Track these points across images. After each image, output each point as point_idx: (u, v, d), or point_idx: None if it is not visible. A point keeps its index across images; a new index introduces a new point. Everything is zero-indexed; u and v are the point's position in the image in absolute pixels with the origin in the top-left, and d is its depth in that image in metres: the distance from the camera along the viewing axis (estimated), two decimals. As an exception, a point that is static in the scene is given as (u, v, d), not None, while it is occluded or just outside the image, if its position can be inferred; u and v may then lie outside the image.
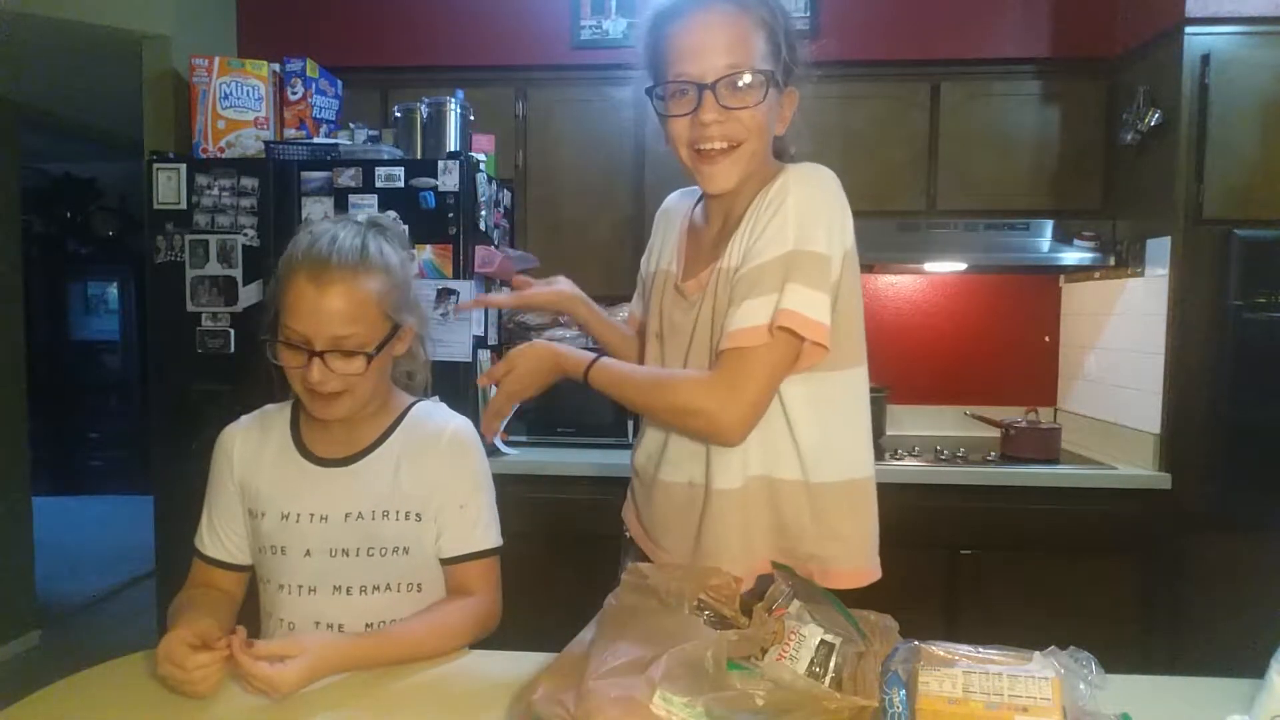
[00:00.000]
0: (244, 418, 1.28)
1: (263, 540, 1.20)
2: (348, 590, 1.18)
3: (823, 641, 0.89)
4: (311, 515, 1.18)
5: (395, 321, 1.18)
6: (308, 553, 1.17)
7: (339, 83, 2.58)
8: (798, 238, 1.03)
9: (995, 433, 2.62)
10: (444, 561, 1.23)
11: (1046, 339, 2.96)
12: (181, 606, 1.17)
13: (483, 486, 1.26)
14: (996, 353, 2.96)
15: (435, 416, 1.26)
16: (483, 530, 1.24)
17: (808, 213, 1.05)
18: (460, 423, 1.26)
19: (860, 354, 1.15)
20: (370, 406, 1.22)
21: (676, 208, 1.30)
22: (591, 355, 1.15)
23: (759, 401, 1.05)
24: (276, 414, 1.27)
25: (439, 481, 1.21)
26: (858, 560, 1.16)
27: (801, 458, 1.11)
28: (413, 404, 1.28)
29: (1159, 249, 2.33)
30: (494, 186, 2.47)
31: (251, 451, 1.23)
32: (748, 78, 1.04)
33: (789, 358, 1.05)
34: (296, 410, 1.26)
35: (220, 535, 1.24)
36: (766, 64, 1.05)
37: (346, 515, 1.17)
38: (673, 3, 1.07)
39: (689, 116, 1.05)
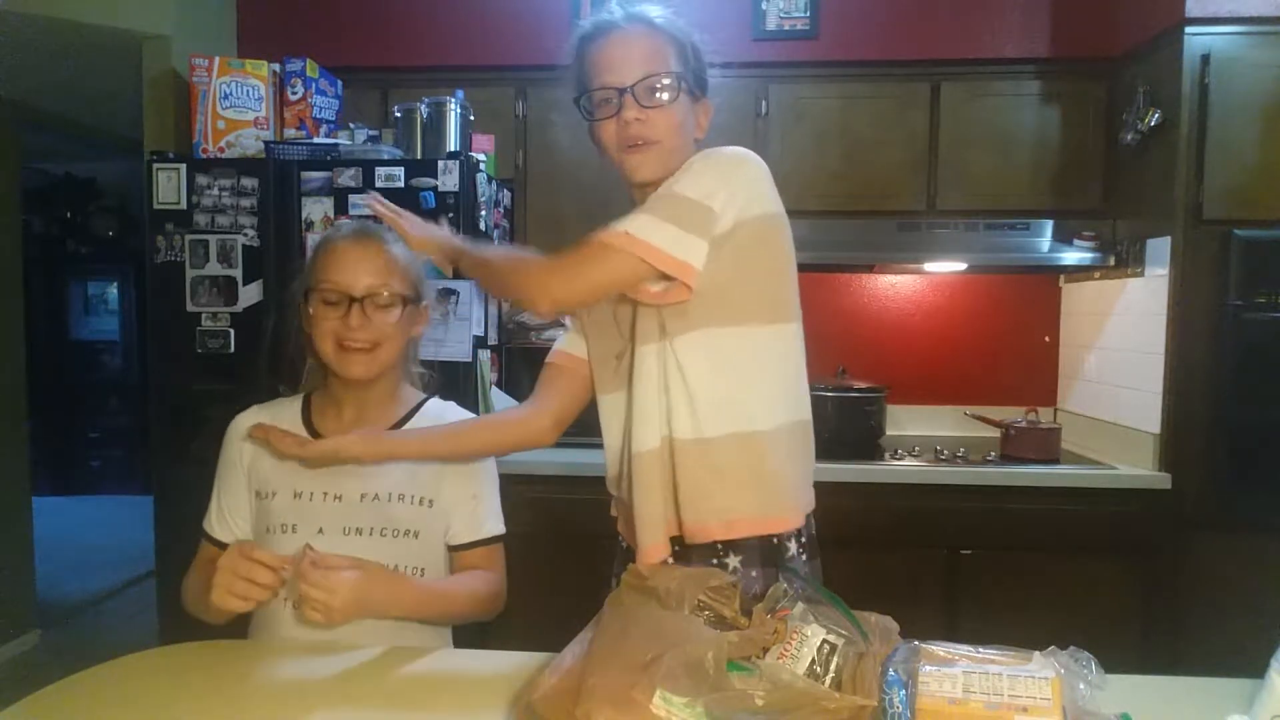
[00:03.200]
0: (252, 406, 1.33)
1: (272, 519, 1.23)
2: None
3: (825, 642, 0.89)
4: (325, 494, 1.23)
5: (419, 293, 1.29)
6: (320, 530, 1.21)
7: (339, 83, 2.58)
8: (681, 185, 1.13)
9: (995, 433, 2.62)
10: (456, 548, 1.30)
11: (1046, 339, 2.96)
12: (200, 584, 1.18)
13: (492, 479, 1.35)
14: (996, 353, 2.96)
15: (452, 414, 1.35)
16: (493, 519, 1.33)
17: (699, 170, 1.15)
18: None
19: (779, 314, 1.20)
20: (384, 386, 1.29)
21: None
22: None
23: (581, 286, 1.14)
24: (288, 403, 1.33)
25: (454, 473, 1.29)
26: (769, 508, 1.19)
27: (697, 414, 1.16)
28: (426, 399, 1.36)
29: (1159, 249, 2.33)
30: (494, 186, 2.47)
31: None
32: (662, 80, 1.16)
33: (632, 275, 1.12)
34: (308, 400, 1.32)
35: (228, 519, 1.28)
36: (676, 69, 1.18)
37: (362, 496, 1.23)
38: (593, 27, 1.21)
39: (613, 119, 1.17)
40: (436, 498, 1.27)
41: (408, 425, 1.30)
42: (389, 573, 1.17)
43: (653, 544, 1.19)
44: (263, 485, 1.25)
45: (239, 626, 1.26)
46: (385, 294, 1.23)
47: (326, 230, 1.32)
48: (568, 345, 1.35)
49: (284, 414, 1.30)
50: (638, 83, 1.15)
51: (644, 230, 1.10)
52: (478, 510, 1.31)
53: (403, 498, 1.24)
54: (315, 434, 1.27)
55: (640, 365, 1.19)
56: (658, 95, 1.16)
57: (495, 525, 1.33)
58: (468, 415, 1.37)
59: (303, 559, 1.07)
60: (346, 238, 1.25)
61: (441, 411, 1.35)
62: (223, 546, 1.26)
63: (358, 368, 1.23)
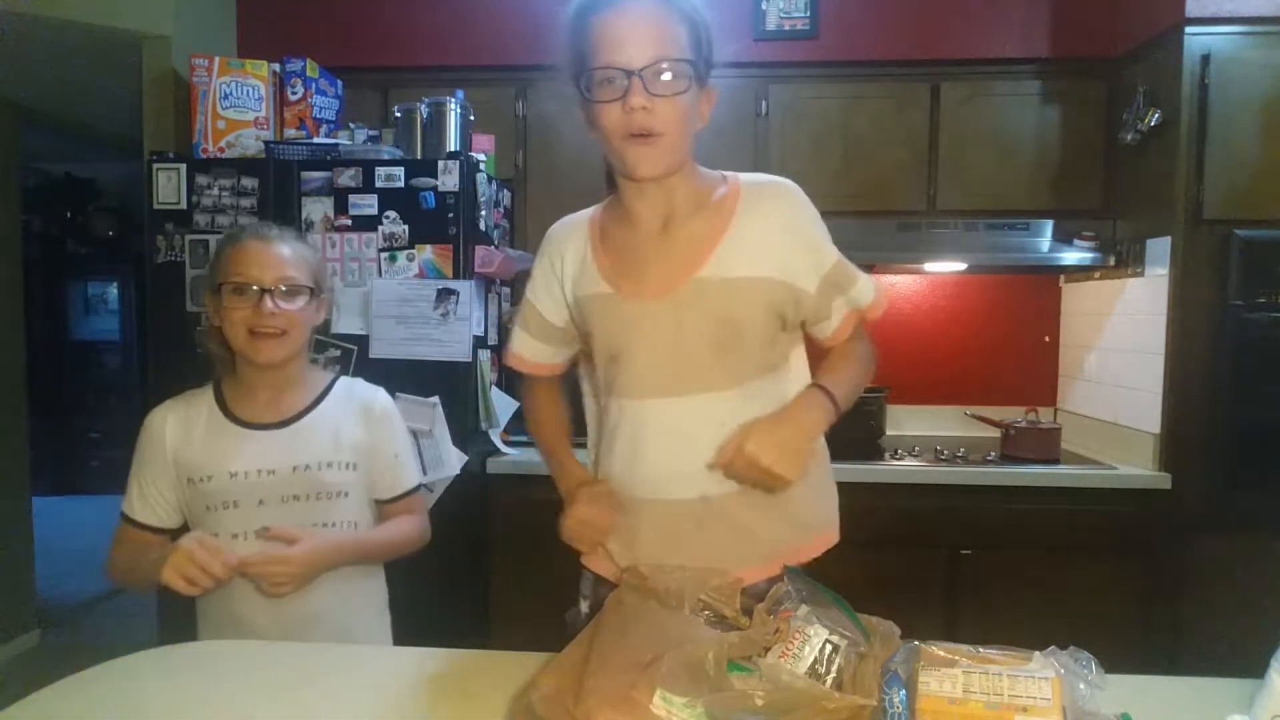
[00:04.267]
0: (167, 401, 1.42)
1: (211, 499, 1.34)
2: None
3: (827, 642, 0.89)
4: (259, 470, 1.35)
5: (320, 285, 1.42)
6: (261, 502, 1.34)
7: (339, 83, 2.58)
8: (830, 244, 1.18)
9: (995, 433, 2.62)
10: (385, 502, 1.48)
11: (1046, 339, 2.96)
12: (139, 558, 1.33)
13: (407, 436, 1.53)
14: (996, 353, 2.96)
15: (361, 388, 1.50)
16: (411, 473, 1.52)
17: (822, 227, 1.19)
18: (384, 393, 1.52)
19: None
20: (293, 370, 1.42)
21: (571, 233, 1.27)
22: (823, 400, 1.14)
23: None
24: (199, 394, 1.43)
25: (375, 439, 1.45)
26: (812, 536, 1.24)
27: None
28: (336, 379, 1.49)
29: (1159, 249, 2.33)
30: (494, 186, 2.47)
31: (182, 428, 1.38)
32: (676, 66, 1.06)
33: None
34: (219, 389, 1.43)
35: (151, 504, 1.38)
36: (689, 56, 1.08)
37: (294, 467, 1.37)
38: None
39: (618, 103, 1.07)
40: (359, 461, 1.42)
41: (323, 404, 1.42)
42: (327, 533, 1.36)
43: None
44: (194, 471, 1.35)
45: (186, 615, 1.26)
46: (293, 283, 1.36)
47: (229, 231, 1.49)
48: (544, 357, 1.32)
49: (198, 404, 1.41)
50: (647, 66, 1.04)
51: (870, 288, 1.21)
52: (399, 468, 1.48)
53: (331, 465, 1.39)
54: (234, 418, 1.38)
55: (728, 405, 1.14)
56: (669, 83, 1.06)
57: (414, 477, 1.51)
58: (372, 387, 1.50)
59: (243, 557, 1.25)
60: (253, 236, 1.38)
61: (350, 387, 1.48)
62: (144, 528, 1.38)
63: (268, 353, 1.35)
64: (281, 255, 1.36)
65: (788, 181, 1.19)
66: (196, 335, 1.47)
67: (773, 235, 1.14)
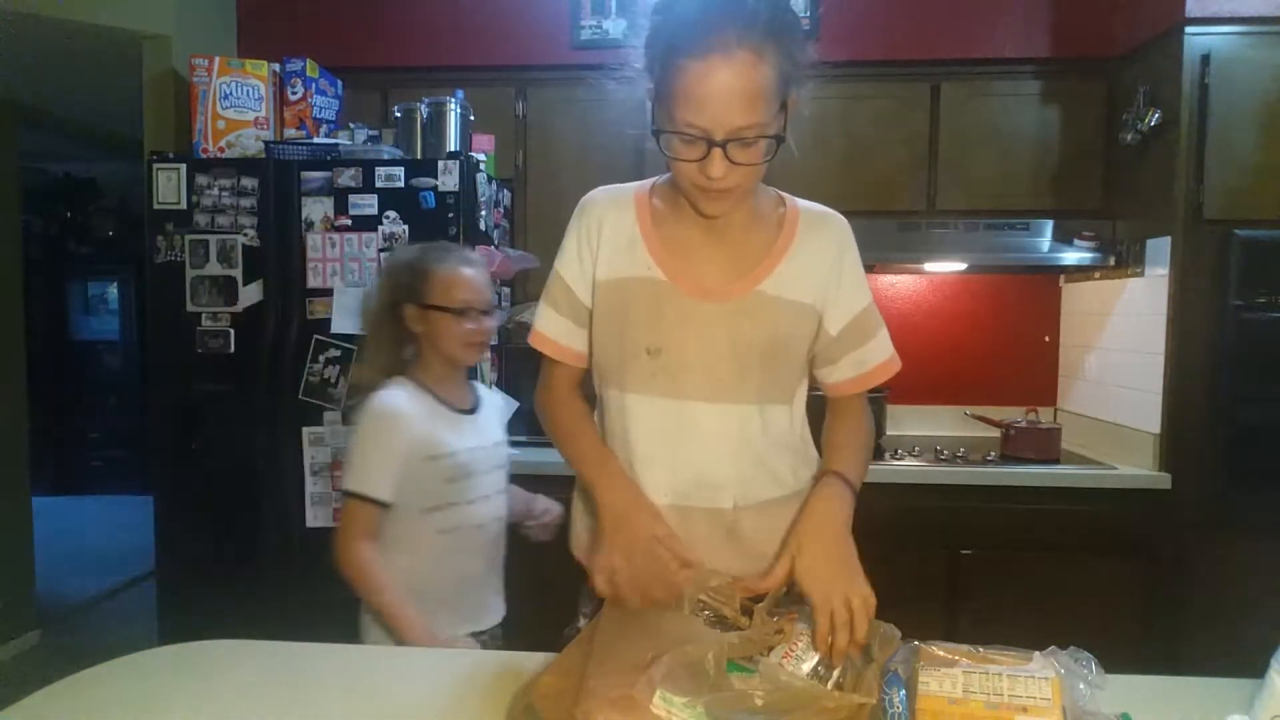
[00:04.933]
0: (393, 390, 1.54)
1: (452, 472, 1.54)
2: (500, 492, 1.65)
3: (825, 642, 0.89)
4: (478, 446, 1.60)
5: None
6: (484, 472, 1.60)
7: (339, 83, 2.58)
8: (869, 298, 1.22)
9: (995, 433, 2.62)
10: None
11: (1046, 339, 2.96)
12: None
13: None
14: (996, 353, 2.96)
15: (481, 386, 1.75)
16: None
17: (863, 274, 1.24)
18: None
19: None
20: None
21: (614, 206, 1.19)
22: (843, 491, 1.18)
23: None
24: (408, 387, 1.57)
25: (500, 427, 1.73)
26: None
27: (798, 473, 1.23)
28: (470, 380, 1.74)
29: (1159, 249, 2.33)
30: (494, 186, 2.47)
31: (418, 412, 1.54)
32: (758, 137, 1.02)
33: None
34: (419, 382, 1.59)
35: (387, 480, 1.50)
36: (776, 120, 1.03)
37: (494, 442, 1.66)
38: (692, 30, 0.99)
39: (696, 164, 1.03)
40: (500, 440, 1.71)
41: (481, 394, 1.69)
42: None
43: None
44: (436, 448, 1.52)
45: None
46: (492, 305, 1.62)
47: (431, 252, 1.61)
48: (577, 343, 1.21)
49: (418, 398, 1.56)
50: (731, 139, 0.99)
51: (885, 348, 1.22)
52: (507, 458, 1.73)
53: (502, 442, 1.68)
54: (446, 404, 1.58)
55: (753, 421, 1.15)
56: (749, 152, 1.02)
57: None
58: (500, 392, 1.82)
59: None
60: (462, 263, 1.60)
61: (476, 385, 1.72)
62: (377, 504, 1.49)
63: (478, 359, 1.66)
64: (485, 281, 1.61)
65: (840, 216, 1.23)
66: (367, 341, 1.65)
67: (825, 265, 1.17)
